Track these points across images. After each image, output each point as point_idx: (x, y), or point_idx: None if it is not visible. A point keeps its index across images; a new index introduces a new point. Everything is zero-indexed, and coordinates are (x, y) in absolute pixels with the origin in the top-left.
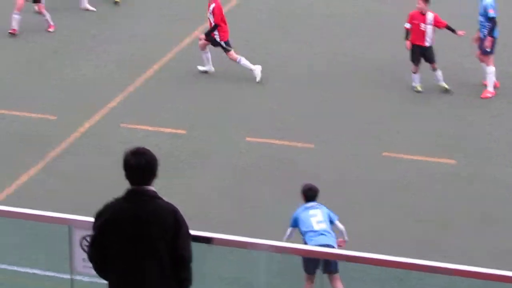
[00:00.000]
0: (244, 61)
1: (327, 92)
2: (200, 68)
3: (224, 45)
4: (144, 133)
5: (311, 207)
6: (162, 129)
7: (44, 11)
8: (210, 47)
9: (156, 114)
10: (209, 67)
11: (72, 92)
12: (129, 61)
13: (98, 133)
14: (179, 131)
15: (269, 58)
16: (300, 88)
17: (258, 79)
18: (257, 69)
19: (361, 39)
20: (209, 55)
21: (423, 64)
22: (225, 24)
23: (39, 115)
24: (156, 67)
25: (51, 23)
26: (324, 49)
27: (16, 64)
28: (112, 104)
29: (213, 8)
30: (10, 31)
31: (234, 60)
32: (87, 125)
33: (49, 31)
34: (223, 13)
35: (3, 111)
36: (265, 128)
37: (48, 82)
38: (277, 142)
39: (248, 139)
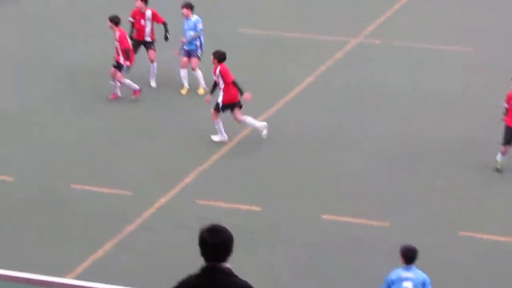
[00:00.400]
0: (249, 120)
1: (402, 170)
2: (214, 138)
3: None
4: (219, 210)
5: (405, 279)
6: (237, 206)
7: (124, 80)
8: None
9: (232, 190)
10: (221, 137)
11: (148, 167)
12: (206, 137)
13: (173, 209)
14: (254, 208)
15: (342, 133)
16: (374, 164)
17: (264, 134)
18: (263, 127)
19: (431, 117)
20: (220, 124)
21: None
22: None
23: (115, 191)
24: (232, 143)
25: (136, 87)
26: (397, 127)
27: (93, 133)
28: (188, 179)
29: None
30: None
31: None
32: (162, 200)
33: (134, 98)
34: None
35: (79, 186)
36: (340, 204)
37: (124, 155)
38: (352, 220)
39: (323, 216)
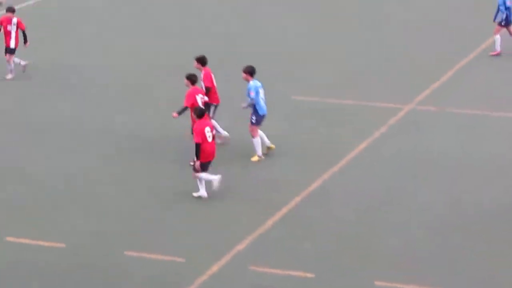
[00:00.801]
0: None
1: (453, 236)
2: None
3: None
4: (272, 276)
5: None
6: (290, 272)
7: None
8: None
9: (284, 256)
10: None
11: (201, 233)
12: (258, 202)
13: (226, 276)
14: (308, 275)
15: (394, 200)
16: (425, 231)
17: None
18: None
19: (482, 183)
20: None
21: None
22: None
23: (168, 257)
24: (285, 210)
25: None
26: (449, 194)
27: (147, 198)
28: (240, 246)
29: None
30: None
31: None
32: (215, 268)
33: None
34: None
35: (133, 253)
36: (393, 271)
37: (177, 220)
38: (405, 286)
39: (376, 282)
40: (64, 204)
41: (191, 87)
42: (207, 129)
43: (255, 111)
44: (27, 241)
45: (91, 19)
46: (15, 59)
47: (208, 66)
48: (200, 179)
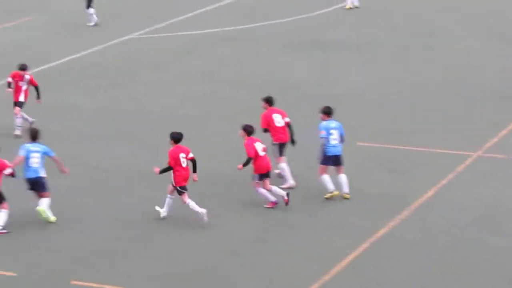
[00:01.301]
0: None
1: None
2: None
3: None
4: None
5: None
6: None
7: None
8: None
9: None
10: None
11: (266, 277)
12: (323, 248)
13: None
14: None
15: (463, 251)
16: (494, 279)
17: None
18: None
19: None
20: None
21: None
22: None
23: None
24: (351, 257)
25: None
26: None
27: (217, 252)
28: None
29: None
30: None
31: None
32: None
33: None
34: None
35: None
36: None
37: (242, 265)
38: None
39: None
40: None
41: (246, 138)
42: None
43: (323, 151)
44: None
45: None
46: (23, 114)
47: (274, 107)
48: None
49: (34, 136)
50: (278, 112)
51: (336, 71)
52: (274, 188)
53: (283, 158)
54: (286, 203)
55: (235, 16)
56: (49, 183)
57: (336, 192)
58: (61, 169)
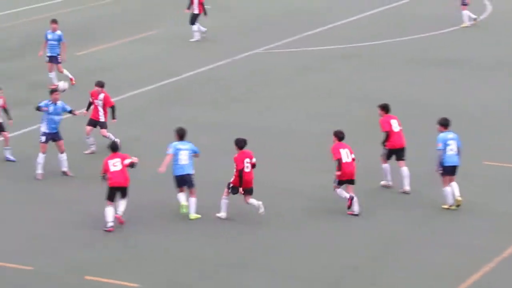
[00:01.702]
0: None
1: None
2: None
3: None
4: None
5: None
6: None
7: None
8: None
9: None
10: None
11: None
12: (445, 268)
13: None
14: None
15: None
16: None
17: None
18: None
19: None
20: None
21: None
22: None
23: None
24: (474, 277)
25: None
26: None
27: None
28: None
29: None
30: None
31: None
32: None
33: None
34: None
35: None
36: None
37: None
38: None
39: None
40: None
41: (336, 143)
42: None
43: (441, 162)
44: None
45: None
46: (110, 134)
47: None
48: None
49: (182, 134)
50: (394, 118)
51: (460, 89)
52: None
53: (403, 162)
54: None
55: (356, 33)
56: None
57: (453, 207)
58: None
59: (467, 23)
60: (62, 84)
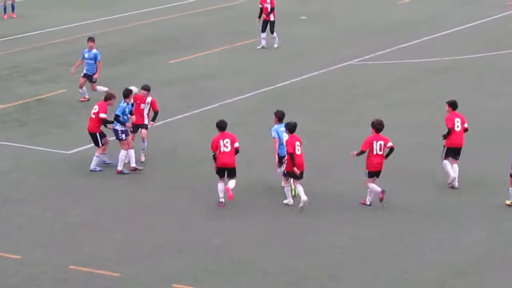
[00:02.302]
0: None
1: None
2: None
3: None
4: None
5: None
6: None
7: None
8: None
9: None
10: None
11: None
12: None
13: None
14: None
15: None
16: None
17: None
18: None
19: None
20: None
21: None
22: None
23: None
24: None
25: None
26: None
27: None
28: None
29: None
30: None
31: None
32: None
33: None
34: None
35: None
36: None
37: None
38: None
39: None
40: None
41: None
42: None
43: None
44: None
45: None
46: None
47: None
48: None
49: (281, 117)
50: (459, 117)
51: None
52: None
53: (456, 161)
54: (381, 200)
55: (454, 46)
56: None
57: None
58: None
59: None
60: (134, 89)
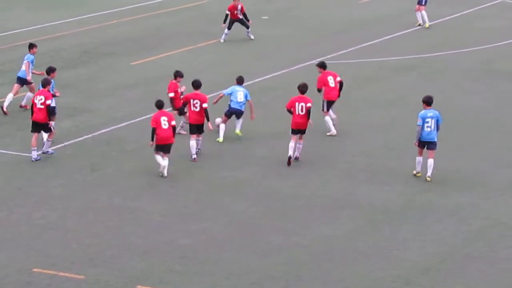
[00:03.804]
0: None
1: None
2: None
3: None
4: None
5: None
6: None
7: None
8: None
9: None
10: None
11: None
12: None
13: None
14: None
15: None
16: None
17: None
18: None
19: None
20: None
21: None
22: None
23: None
24: None
25: None
26: None
27: None
28: None
29: None
30: None
31: None
32: None
33: None
34: None
35: None
36: None
37: None
38: None
39: None
40: None
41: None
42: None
43: (419, 136)
44: None
45: None
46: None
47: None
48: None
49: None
50: (331, 74)
51: None
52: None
53: (330, 112)
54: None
55: (414, 45)
56: None
57: (419, 174)
58: None
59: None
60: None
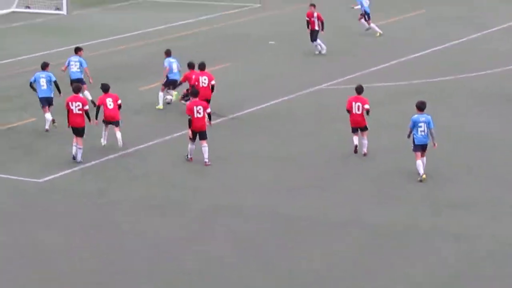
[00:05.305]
0: None
1: None
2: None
3: None
4: None
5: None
6: None
7: None
8: None
9: None
10: None
11: None
12: None
13: None
14: None
15: None
16: None
17: None
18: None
19: None
20: None
21: None
22: None
23: None
24: None
25: None
26: None
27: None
28: None
29: None
30: None
31: None
32: None
33: None
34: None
35: None
36: None
37: None
38: None
39: None
40: None
41: None
42: None
43: (412, 140)
44: None
45: None
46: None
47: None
48: None
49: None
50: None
51: None
52: None
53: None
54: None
55: (424, 69)
56: None
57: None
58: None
59: None
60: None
